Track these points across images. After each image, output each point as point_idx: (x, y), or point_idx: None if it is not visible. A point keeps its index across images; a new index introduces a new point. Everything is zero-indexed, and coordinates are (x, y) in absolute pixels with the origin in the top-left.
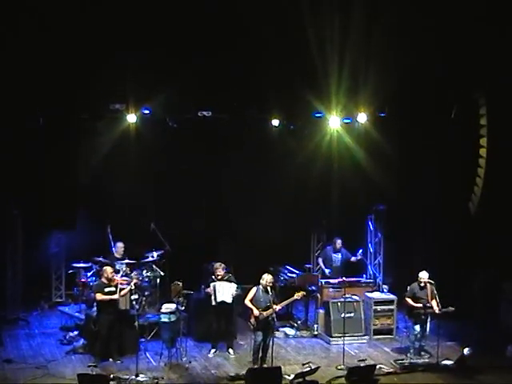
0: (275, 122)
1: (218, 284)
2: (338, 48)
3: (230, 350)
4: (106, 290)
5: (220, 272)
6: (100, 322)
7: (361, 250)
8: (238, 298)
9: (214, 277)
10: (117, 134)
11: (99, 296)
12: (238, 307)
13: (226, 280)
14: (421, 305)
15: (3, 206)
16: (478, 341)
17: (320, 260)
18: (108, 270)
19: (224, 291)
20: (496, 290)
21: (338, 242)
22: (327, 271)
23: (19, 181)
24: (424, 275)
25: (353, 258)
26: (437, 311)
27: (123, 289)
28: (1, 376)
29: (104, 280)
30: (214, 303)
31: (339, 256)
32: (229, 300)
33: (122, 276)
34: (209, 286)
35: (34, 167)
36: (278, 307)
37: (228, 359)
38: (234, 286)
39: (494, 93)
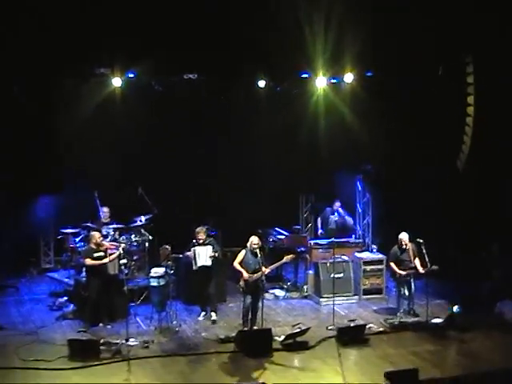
0: (261, 84)
1: (197, 249)
2: (325, 6)
3: (213, 314)
4: (95, 255)
5: (201, 236)
6: (89, 288)
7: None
8: (221, 261)
9: (195, 241)
10: (102, 98)
11: (89, 261)
12: (227, 270)
13: (206, 244)
14: (404, 272)
15: None
16: (467, 298)
17: (319, 220)
18: (96, 235)
19: (202, 255)
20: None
21: (336, 204)
22: (319, 232)
23: (5, 147)
24: (404, 237)
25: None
26: (421, 271)
27: (112, 254)
28: None
29: (92, 245)
30: (194, 267)
31: (335, 217)
32: (208, 263)
33: (110, 241)
34: (189, 251)
35: (19, 134)
36: (267, 270)
37: (218, 322)
38: (210, 248)
39: (481, 51)
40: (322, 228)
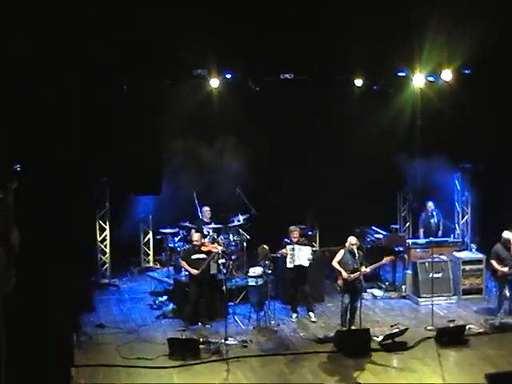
0: (358, 83)
1: (297, 247)
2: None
3: (311, 314)
4: (194, 256)
5: (296, 235)
6: (189, 287)
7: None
8: (319, 260)
9: (289, 240)
10: (200, 99)
11: (183, 264)
12: (324, 269)
13: (302, 244)
14: (506, 269)
15: (90, 173)
16: None
17: (421, 231)
18: (195, 236)
19: (302, 255)
20: None
21: (429, 205)
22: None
23: (105, 147)
24: (508, 235)
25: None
26: None
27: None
28: (94, 341)
29: (193, 245)
30: (289, 265)
31: (435, 220)
32: (306, 264)
33: (209, 240)
34: (284, 248)
35: (119, 133)
36: (367, 270)
37: (316, 322)
38: (310, 249)
39: None
40: (425, 237)
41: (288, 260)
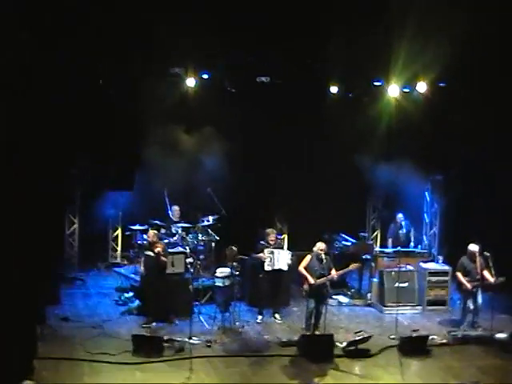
0: (333, 89)
1: (276, 251)
2: (399, 15)
3: (277, 315)
4: (145, 253)
5: (273, 238)
6: (152, 285)
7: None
8: (291, 266)
9: (265, 242)
10: (176, 97)
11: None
12: (291, 274)
13: (277, 247)
14: (470, 286)
15: (61, 166)
16: None
17: (390, 241)
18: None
19: (281, 259)
20: None
21: (399, 217)
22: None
23: (77, 141)
24: (474, 248)
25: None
26: (491, 280)
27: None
28: (58, 334)
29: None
30: (268, 268)
31: (404, 231)
32: (285, 268)
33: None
34: (261, 252)
35: (93, 127)
36: (335, 275)
37: (281, 325)
38: (289, 254)
39: None
40: (393, 247)
41: (266, 263)
